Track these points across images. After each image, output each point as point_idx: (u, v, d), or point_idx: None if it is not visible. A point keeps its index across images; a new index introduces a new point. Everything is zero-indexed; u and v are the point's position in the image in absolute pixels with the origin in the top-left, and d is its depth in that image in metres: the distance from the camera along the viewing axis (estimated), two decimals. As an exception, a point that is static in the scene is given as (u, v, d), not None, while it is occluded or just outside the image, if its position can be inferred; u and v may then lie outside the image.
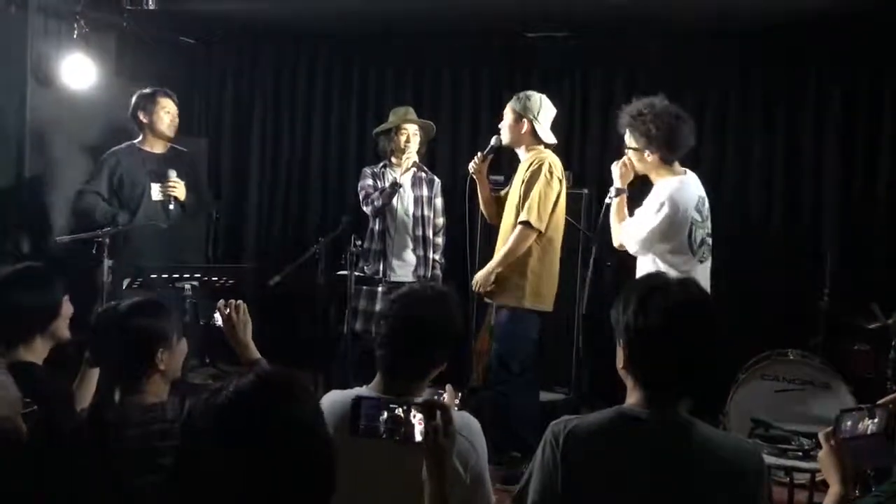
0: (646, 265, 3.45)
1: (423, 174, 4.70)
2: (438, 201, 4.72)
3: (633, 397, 1.74)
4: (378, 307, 4.46)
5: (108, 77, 5.14)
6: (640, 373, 1.73)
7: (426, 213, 4.64)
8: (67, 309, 2.51)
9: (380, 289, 4.50)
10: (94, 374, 2.48)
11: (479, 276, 4.02)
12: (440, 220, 4.73)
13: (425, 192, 4.65)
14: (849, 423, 1.77)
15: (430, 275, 4.60)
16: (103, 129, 5.31)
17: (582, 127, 5.33)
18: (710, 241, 3.49)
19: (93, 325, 2.14)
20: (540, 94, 4.08)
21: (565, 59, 5.34)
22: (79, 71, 4.78)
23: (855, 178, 4.87)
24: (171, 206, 4.49)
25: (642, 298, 1.71)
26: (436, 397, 1.68)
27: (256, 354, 2.30)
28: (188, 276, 3.95)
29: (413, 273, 4.57)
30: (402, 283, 4.18)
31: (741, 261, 4.93)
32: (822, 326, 4.22)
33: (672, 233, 3.36)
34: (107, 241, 4.00)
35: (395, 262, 4.59)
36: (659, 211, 3.34)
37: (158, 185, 4.49)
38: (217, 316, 2.31)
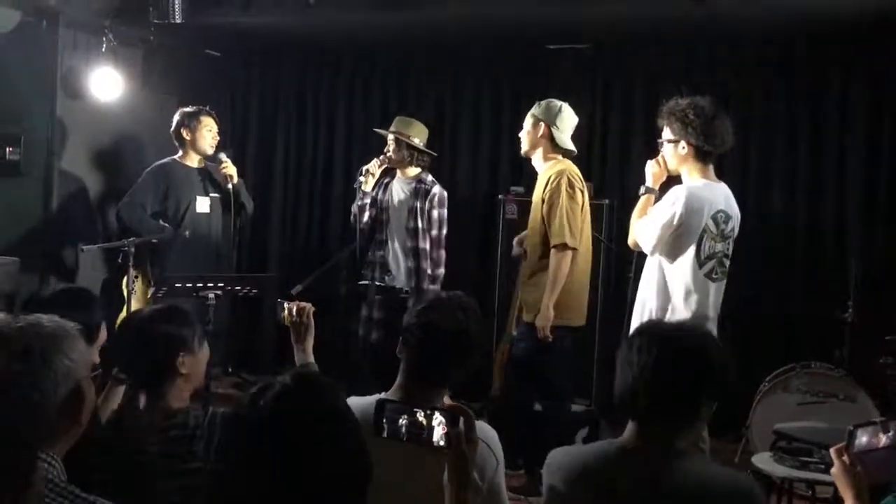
0: (651, 272, 3.30)
1: (422, 185, 4.55)
2: (435, 213, 4.51)
3: (628, 429, 1.79)
4: (375, 315, 4.53)
5: (136, 90, 5.23)
6: (620, 410, 1.78)
7: (420, 224, 4.50)
8: (102, 335, 2.42)
9: (377, 297, 4.53)
10: (120, 390, 2.47)
11: (539, 318, 3.83)
12: (435, 232, 4.52)
13: (419, 203, 4.52)
14: (864, 438, 1.75)
15: (422, 287, 4.45)
16: (130, 140, 5.41)
17: (602, 138, 5.32)
18: (726, 261, 3.30)
19: (117, 331, 2.18)
20: (563, 103, 4.06)
21: (586, 71, 5.34)
22: (107, 84, 4.89)
23: (880, 188, 4.81)
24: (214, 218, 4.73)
25: (629, 345, 1.78)
26: None
27: (310, 358, 2.38)
28: (212, 284, 3.99)
29: (407, 284, 4.51)
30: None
31: (765, 271, 4.89)
32: (846, 338, 4.17)
33: (681, 231, 3.18)
34: (132, 250, 4.06)
35: (390, 273, 4.58)
36: (672, 205, 3.18)
37: (207, 197, 4.72)
38: (285, 315, 2.40)
